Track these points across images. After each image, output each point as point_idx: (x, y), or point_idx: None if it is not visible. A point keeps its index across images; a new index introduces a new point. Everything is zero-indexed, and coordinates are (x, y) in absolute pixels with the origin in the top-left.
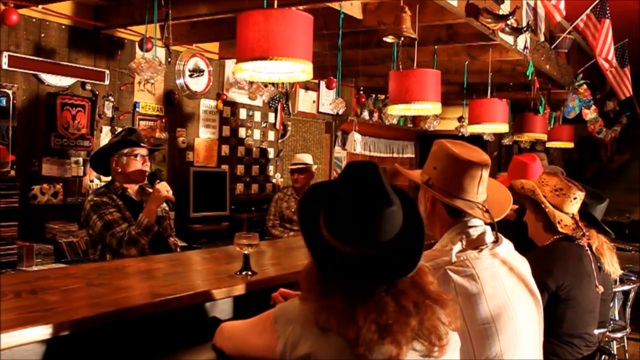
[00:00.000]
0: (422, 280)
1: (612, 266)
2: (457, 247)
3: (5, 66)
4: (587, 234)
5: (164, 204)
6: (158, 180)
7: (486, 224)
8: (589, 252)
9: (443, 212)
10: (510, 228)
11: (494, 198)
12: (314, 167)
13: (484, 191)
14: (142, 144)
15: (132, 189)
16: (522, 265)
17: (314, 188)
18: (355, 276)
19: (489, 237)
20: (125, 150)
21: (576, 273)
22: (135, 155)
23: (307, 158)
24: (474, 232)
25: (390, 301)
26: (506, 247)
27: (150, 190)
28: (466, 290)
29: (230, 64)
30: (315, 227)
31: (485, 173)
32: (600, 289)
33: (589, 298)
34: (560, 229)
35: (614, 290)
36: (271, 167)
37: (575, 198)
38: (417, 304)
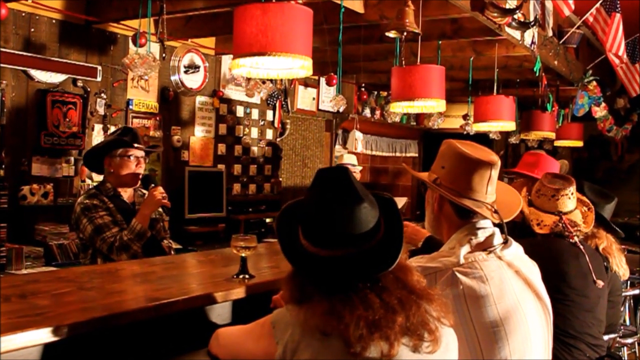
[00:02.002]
0: (406, 277)
1: (621, 267)
2: (465, 248)
3: None
4: (572, 232)
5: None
6: (153, 185)
7: (495, 225)
8: (582, 248)
9: (451, 213)
10: (516, 229)
11: (503, 200)
12: (359, 168)
13: (493, 192)
14: (138, 145)
15: (124, 190)
16: (531, 269)
17: (288, 205)
18: (336, 278)
19: (498, 239)
20: (119, 151)
21: (566, 270)
22: (129, 157)
23: (353, 159)
24: (482, 234)
25: (374, 298)
26: (515, 250)
27: (143, 192)
28: (474, 293)
29: (227, 59)
30: (293, 237)
31: (495, 173)
32: (600, 283)
33: (586, 297)
34: (537, 230)
35: (624, 294)
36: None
37: (553, 195)
38: (402, 301)
